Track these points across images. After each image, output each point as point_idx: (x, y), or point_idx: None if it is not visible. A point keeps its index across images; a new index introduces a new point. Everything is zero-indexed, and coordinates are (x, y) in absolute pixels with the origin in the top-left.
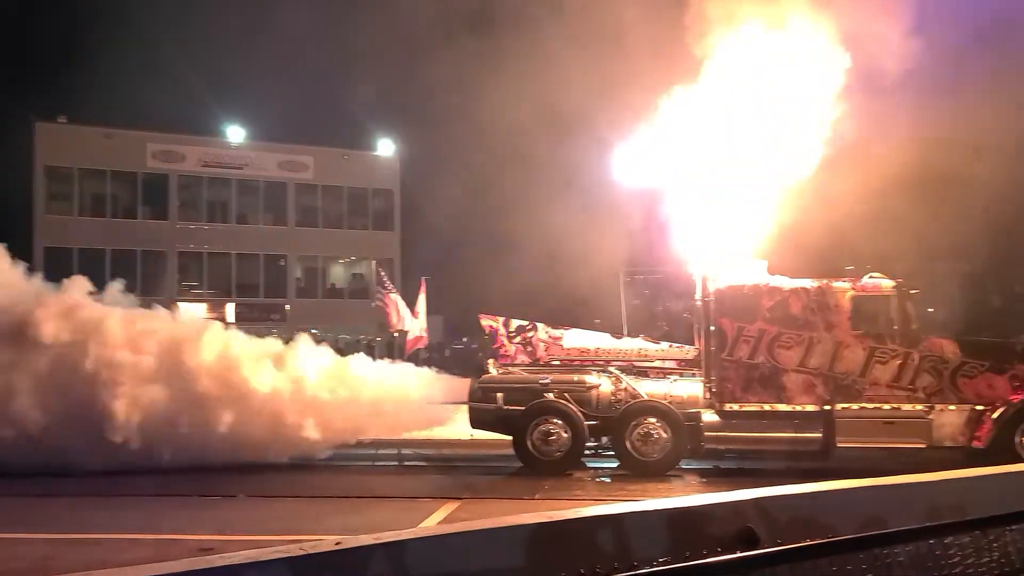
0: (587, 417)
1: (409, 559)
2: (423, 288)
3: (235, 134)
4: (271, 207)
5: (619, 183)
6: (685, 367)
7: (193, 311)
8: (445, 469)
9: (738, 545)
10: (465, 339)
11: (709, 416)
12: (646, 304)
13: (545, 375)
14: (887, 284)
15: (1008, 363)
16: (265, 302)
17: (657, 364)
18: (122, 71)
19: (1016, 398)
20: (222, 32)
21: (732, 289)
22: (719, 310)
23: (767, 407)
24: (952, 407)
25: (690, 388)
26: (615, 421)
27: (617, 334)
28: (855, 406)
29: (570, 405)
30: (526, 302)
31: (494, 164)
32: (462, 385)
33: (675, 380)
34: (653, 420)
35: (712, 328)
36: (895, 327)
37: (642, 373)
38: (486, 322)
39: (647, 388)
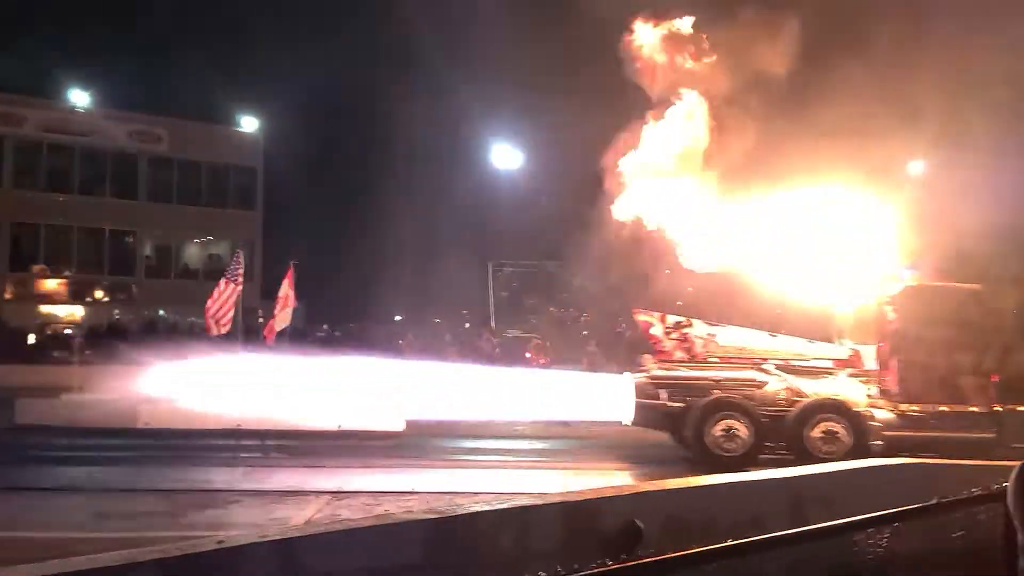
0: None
1: (296, 557)
2: (290, 273)
3: (79, 98)
4: (119, 179)
5: (494, 170)
6: (841, 366)
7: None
8: (313, 461)
9: (622, 539)
10: (326, 326)
11: (883, 415)
12: (513, 296)
13: (713, 371)
14: None
15: None
16: (109, 280)
17: (812, 363)
18: None
19: None
20: None
21: (910, 291)
22: (898, 312)
23: (941, 407)
24: None
25: (853, 387)
26: (792, 419)
27: (772, 332)
28: (1022, 408)
29: (749, 402)
30: (392, 290)
31: (365, 148)
32: None
33: (835, 379)
34: (834, 418)
35: (890, 329)
36: None
37: (798, 372)
38: (642, 317)
39: (811, 387)
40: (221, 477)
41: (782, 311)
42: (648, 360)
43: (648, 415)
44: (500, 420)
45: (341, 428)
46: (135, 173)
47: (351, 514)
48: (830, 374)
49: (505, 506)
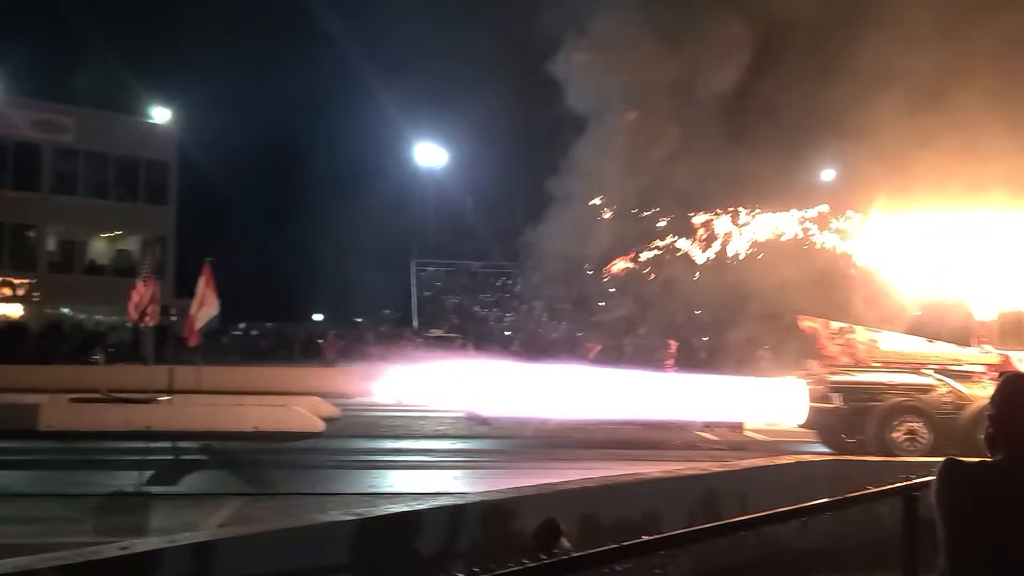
0: None
1: (208, 562)
2: (207, 270)
3: None
4: (21, 170)
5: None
6: (991, 371)
7: None
8: (226, 463)
9: (542, 536)
10: (243, 325)
11: None
12: (436, 296)
13: (885, 375)
14: None
15: None
16: (9, 276)
17: (966, 368)
18: None
19: None
20: None
21: None
22: None
23: None
24: None
25: None
26: (966, 421)
27: (929, 338)
28: None
29: (927, 406)
30: (311, 288)
31: (287, 143)
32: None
33: (990, 383)
34: None
35: None
36: None
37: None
38: (807, 323)
39: (973, 392)
40: (129, 480)
41: (928, 316)
42: (815, 365)
43: (819, 418)
44: (675, 421)
45: (257, 429)
46: (38, 164)
47: (267, 516)
48: (984, 378)
49: (424, 507)
